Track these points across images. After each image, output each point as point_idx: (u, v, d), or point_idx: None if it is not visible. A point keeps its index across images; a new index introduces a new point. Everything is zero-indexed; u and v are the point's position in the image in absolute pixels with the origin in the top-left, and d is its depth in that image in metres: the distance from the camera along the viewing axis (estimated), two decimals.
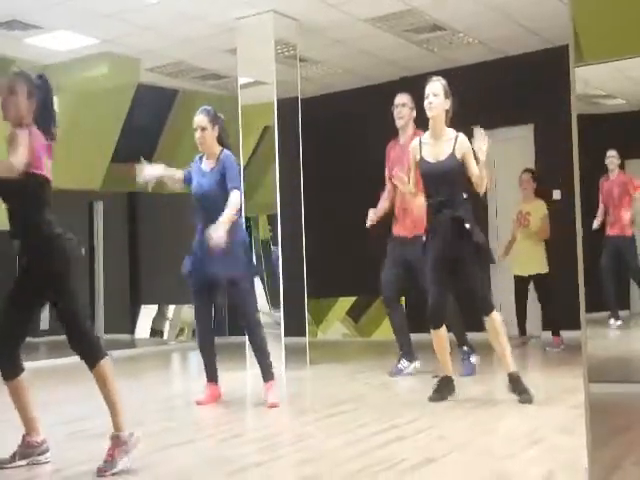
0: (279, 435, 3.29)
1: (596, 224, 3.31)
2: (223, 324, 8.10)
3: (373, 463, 2.56)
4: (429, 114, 3.69)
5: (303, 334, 5.84)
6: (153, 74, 7.02)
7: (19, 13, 5.55)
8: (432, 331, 3.76)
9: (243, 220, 5.27)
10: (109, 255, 9.40)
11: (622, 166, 3.64)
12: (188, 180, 3.97)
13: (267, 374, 3.91)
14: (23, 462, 2.73)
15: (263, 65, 5.71)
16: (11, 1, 5.32)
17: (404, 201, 4.59)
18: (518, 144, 6.99)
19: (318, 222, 6.66)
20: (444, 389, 3.77)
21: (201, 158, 3.98)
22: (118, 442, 2.65)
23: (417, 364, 4.78)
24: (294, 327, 5.67)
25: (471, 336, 4.71)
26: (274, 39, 5.69)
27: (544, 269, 5.98)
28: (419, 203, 4.09)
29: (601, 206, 3.64)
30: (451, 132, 3.73)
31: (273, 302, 5.70)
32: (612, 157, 3.46)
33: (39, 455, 2.76)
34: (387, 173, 4.75)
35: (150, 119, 7.28)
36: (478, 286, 3.63)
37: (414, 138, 3.98)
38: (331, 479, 2.44)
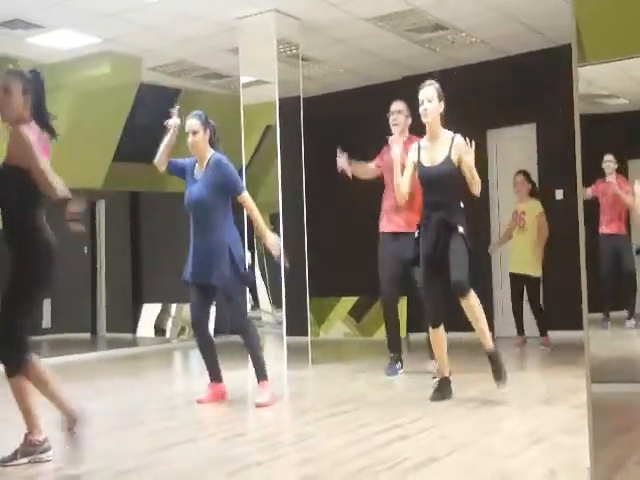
0: (280, 434, 3.29)
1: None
2: (225, 323, 8.10)
3: (375, 463, 2.56)
4: (425, 120, 3.76)
5: (305, 333, 5.84)
6: (155, 73, 7.02)
7: (21, 12, 5.55)
8: (431, 330, 3.79)
9: (246, 220, 5.28)
10: (111, 254, 9.41)
11: (625, 166, 3.63)
12: (174, 169, 3.98)
13: (260, 373, 3.92)
14: (25, 460, 2.73)
15: (265, 64, 5.71)
16: (13, 0, 5.32)
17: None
18: (520, 144, 6.98)
19: (320, 221, 6.66)
20: (445, 389, 3.78)
21: (195, 163, 3.99)
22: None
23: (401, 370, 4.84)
24: (296, 326, 5.67)
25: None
26: (276, 38, 5.69)
27: (536, 273, 5.96)
28: (414, 203, 4.23)
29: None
30: (447, 134, 3.78)
31: (275, 301, 5.70)
32: (609, 162, 3.46)
33: (41, 453, 2.76)
34: (378, 162, 4.84)
35: (152, 118, 7.25)
36: (459, 263, 3.60)
37: (409, 145, 4.05)
38: (332, 479, 2.44)
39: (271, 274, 5.77)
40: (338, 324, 7.81)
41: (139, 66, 6.69)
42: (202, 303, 3.96)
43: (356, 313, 7.72)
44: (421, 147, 3.82)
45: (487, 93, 6.73)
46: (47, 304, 9.15)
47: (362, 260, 6.68)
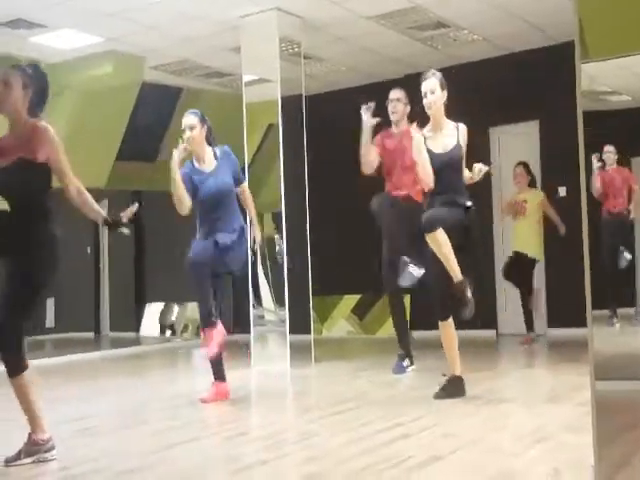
0: (284, 433, 3.29)
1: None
2: (228, 322, 8.10)
3: (378, 461, 2.56)
4: (429, 112, 3.79)
5: (308, 332, 5.83)
6: (157, 72, 7.02)
7: (24, 12, 5.56)
8: (440, 324, 3.77)
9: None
10: (114, 253, 9.42)
11: (628, 163, 3.62)
12: (192, 192, 3.98)
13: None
14: (29, 460, 2.73)
15: (267, 63, 5.71)
16: (16, 0, 5.33)
17: (402, 181, 4.64)
18: (523, 141, 6.97)
19: (323, 220, 6.66)
20: (451, 388, 3.75)
21: (192, 164, 4.02)
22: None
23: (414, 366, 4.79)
24: (299, 325, 5.67)
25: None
26: (278, 37, 5.68)
27: (538, 256, 6.02)
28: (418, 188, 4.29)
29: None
30: (451, 123, 3.83)
31: (278, 300, 5.70)
32: (609, 152, 3.45)
33: (45, 453, 2.76)
34: (378, 151, 4.74)
35: (155, 117, 7.29)
36: (438, 212, 3.68)
37: (408, 132, 4.02)
38: (336, 477, 2.44)
39: (274, 272, 5.77)
40: (341, 322, 7.81)
41: (141, 65, 6.69)
42: (209, 291, 3.95)
43: (359, 311, 7.72)
44: (426, 136, 3.83)
45: (489, 91, 6.71)
46: (51, 304, 9.18)
47: (365, 258, 6.68)
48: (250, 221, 4.24)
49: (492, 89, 6.73)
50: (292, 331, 5.56)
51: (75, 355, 6.87)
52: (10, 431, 3.13)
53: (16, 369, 2.71)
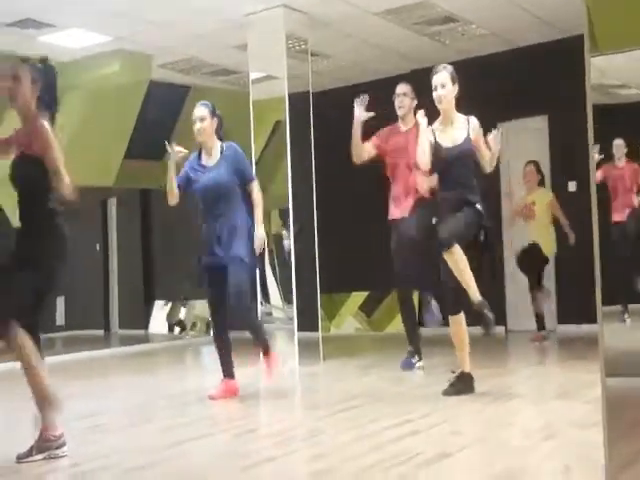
0: (292, 430, 3.29)
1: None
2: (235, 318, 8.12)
3: (386, 458, 2.55)
4: (439, 106, 3.75)
5: (316, 329, 5.83)
6: (165, 70, 7.03)
7: (33, 12, 5.58)
8: (450, 319, 3.74)
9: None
10: (123, 251, 9.46)
11: (638, 156, 3.59)
12: (184, 186, 3.99)
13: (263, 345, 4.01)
14: (40, 456, 2.75)
15: (274, 60, 5.70)
16: (24, 0, 5.35)
17: (408, 182, 4.59)
18: (532, 135, 6.92)
19: (330, 217, 6.65)
20: (460, 384, 3.73)
21: (199, 156, 4.00)
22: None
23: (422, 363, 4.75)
24: (307, 322, 5.67)
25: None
26: (285, 34, 5.68)
27: (550, 254, 5.98)
28: (422, 183, 4.25)
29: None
30: (462, 117, 3.80)
31: (286, 297, 5.70)
32: (619, 145, 3.42)
33: (56, 449, 2.77)
34: (376, 141, 4.73)
35: (162, 115, 7.30)
36: (451, 224, 3.63)
37: (415, 128, 4.02)
38: (344, 474, 2.44)
39: (282, 270, 5.77)
40: (349, 319, 7.80)
41: (149, 64, 6.71)
42: (220, 293, 3.94)
43: (367, 308, 7.70)
44: (435, 129, 3.81)
45: (498, 85, 6.67)
46: (61, 302, 9.23)
47: (372, 255, 6.66)
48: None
49: (501, 83, 6.68)
50: (300, 329, 5.56)
51: (85, 352, 6.91)
52: (22, 427, 3.15)
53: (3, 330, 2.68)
